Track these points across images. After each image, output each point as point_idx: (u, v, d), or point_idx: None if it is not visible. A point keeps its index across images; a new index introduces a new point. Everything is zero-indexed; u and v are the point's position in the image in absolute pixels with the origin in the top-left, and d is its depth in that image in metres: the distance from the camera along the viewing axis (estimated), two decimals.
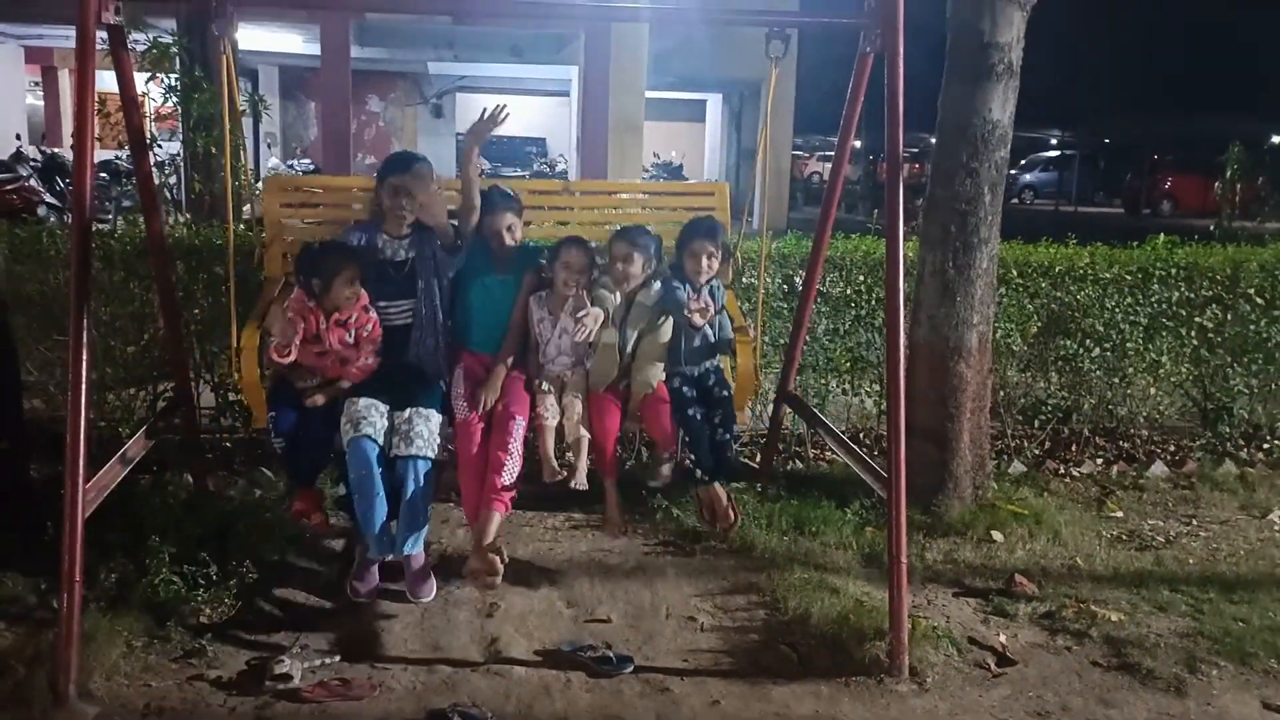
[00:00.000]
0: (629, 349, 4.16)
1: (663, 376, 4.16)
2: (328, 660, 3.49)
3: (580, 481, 3.99)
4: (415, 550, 3.87)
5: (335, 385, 3.92)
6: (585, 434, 4.04)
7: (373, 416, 3.82)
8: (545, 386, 4.10)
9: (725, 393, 4.23)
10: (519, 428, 3.92)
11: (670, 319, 4.17)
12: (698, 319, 4.06)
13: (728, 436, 4.20)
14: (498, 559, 3.69)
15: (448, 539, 4.58)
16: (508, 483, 3.82)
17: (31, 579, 3.76)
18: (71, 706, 3.12)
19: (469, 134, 4.07)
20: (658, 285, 4.19)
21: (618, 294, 4.14)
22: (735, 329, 4.35)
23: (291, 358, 3.82)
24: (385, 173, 4.14)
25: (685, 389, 4.14)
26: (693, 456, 4.13)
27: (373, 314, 3.99)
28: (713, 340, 4.25)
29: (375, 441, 3.78)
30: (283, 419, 3.88)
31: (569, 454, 4.13)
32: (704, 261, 4.20)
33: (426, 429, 3.84)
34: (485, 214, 4.13)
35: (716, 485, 4.15)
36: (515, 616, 3.91)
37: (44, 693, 3.15)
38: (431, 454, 3.82)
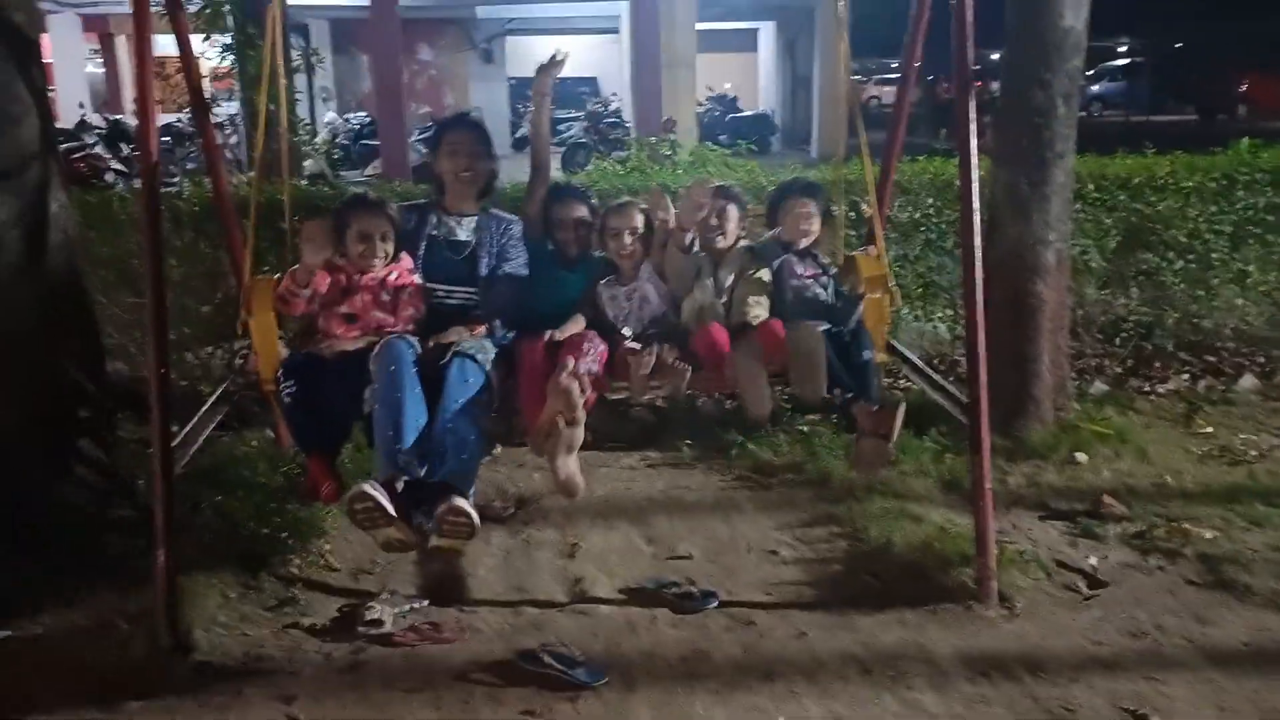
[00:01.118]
0: (725, 298, 3.79)
1: (765, 315, 3.72)
2: (416, 605, 3.54)
3: (680, 389, 3.58)
4: (453, 478, 3.23)
5: (366, 337, 3.52)
6: (684, 366, 3.55)
7: (411, 337, 3.43)
8: (628, 332, 3.72)
9: (853, 325, 3.78)
10: (594, 341, 3.51)
11: (766, 269, 3.83)
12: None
13: (866, 355, 3.64)
14: (575, 394, 3.26)
15: (524, 483, 4.60)
16: (583, 368, 3.38)
17: (126, 537, 3.85)
18: (173, 658, 3.21)
19: (535, 86, 3.83)
20: (745, 243, 3.91)
21: (704, 253, 3.81)
22: (867, 278, 3.84)
23: (302, 296, 3.50)
24: (441, 133, 3.90)
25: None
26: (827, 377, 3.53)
27: (416, 277, 3.68)
28: (826, 302, 3.86)
29: (413, 346, 3.36)
30: (296, 358, 3.48)
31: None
32: (802, 223, 3.90)
33: (478, 343, 3.45)
34: (555, 203, 3.92)
35: (867, 402, 3.60)
36: (596, 556, 3.93)
37: (146, 646, 3.25)
38: (483, 360, 3.37)
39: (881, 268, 3.92)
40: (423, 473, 3.21)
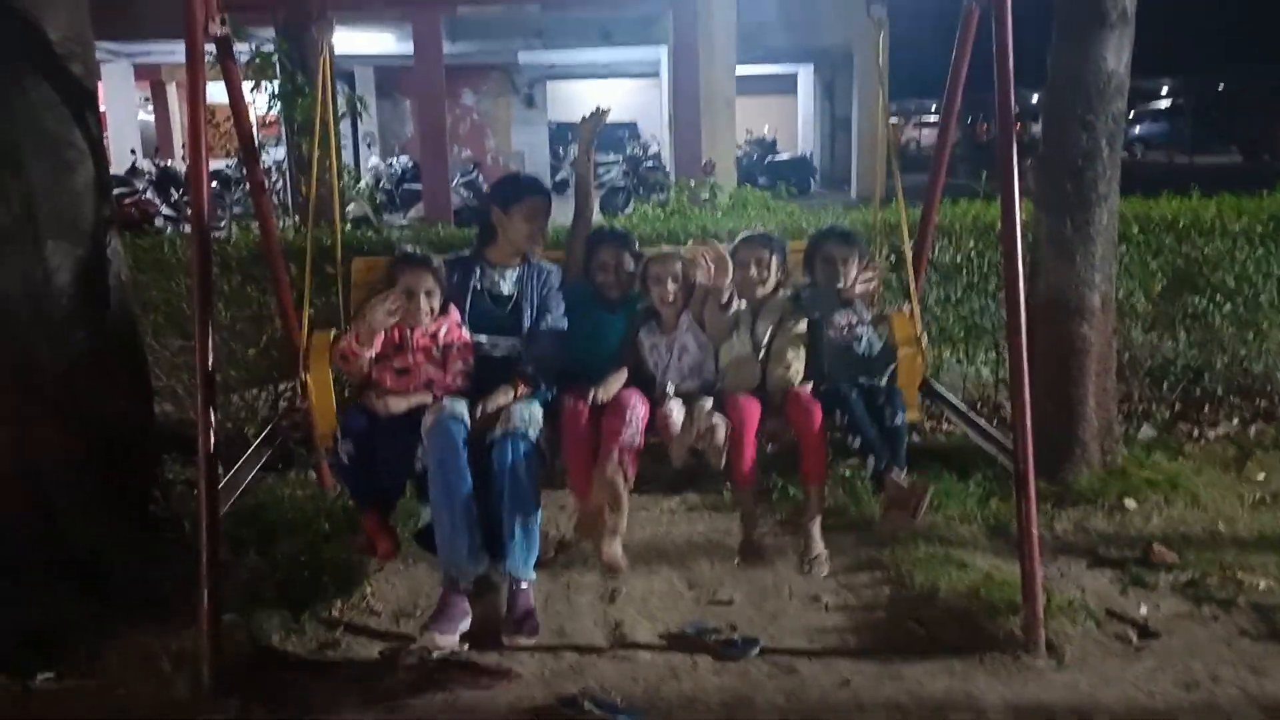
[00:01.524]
0: (762, 352, 3.81)
1: (802, 372, 3.79)
2: (457, 649, 3.53)
3: (717, 464, 3.58)
4: (519, 571, 3.46)
5: (417, 395, 3.63)
6: (720, 420, 3.56)
7: (460, 407, 3.50)
8: (670, 390, 3.71)
9: (887, 382, 3.84)
10: (636, 408, 3.54)
11: (805, 320, 3.84)
12: (859, 287, 3.82)
13: (898, 420, 3.64)
14: (620, 485, 3.40)
15: (565, 526, 4.59)
16: (627, 443, 3.46)
17: (171, 577, 3.89)
18: (215, 699, 3.22)
19: (580, 135, 3.99)
20: (787, 291, 3.91)
21: (743, 301, 3.77)
22: (900, 338, 3.92)
23: (364, 358, 3.61)
24: (520, 194, 3.88)
25: (839, 389, 3.70)
26: (858, 443, 3.60)
27: (465, 332, 3.75)
28: (861, 354, 3.87)
29: (463, 424, 3.44)
30: (353, 420, 3.55)
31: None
32: (839, 268, 3.86)
33: (526, 411, 3.51)
34: (597, 247, 3.96)
35: (898, 471, 3.54)
36: (637, 600, 3.91)
37: (189, 686, 3.27)
38: (532, 434, 3.46)
39: (914, 327, 3.95)
40: (483, 559, 3.46)
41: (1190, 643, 3.50)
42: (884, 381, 3.88)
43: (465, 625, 3.45)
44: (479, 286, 3.88)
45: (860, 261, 3.94)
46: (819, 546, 3.68)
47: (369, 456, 3.52)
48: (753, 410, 3.60)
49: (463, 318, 3.78)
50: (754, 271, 3.84)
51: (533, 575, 3.53)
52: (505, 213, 3.87)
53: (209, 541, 3.25)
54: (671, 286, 3.80)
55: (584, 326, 3.91)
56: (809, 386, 3.73)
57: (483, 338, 3.80)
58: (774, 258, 3.87)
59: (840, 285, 3.88)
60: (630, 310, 3.94)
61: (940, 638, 3.57)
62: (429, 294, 3.65)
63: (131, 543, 3.98)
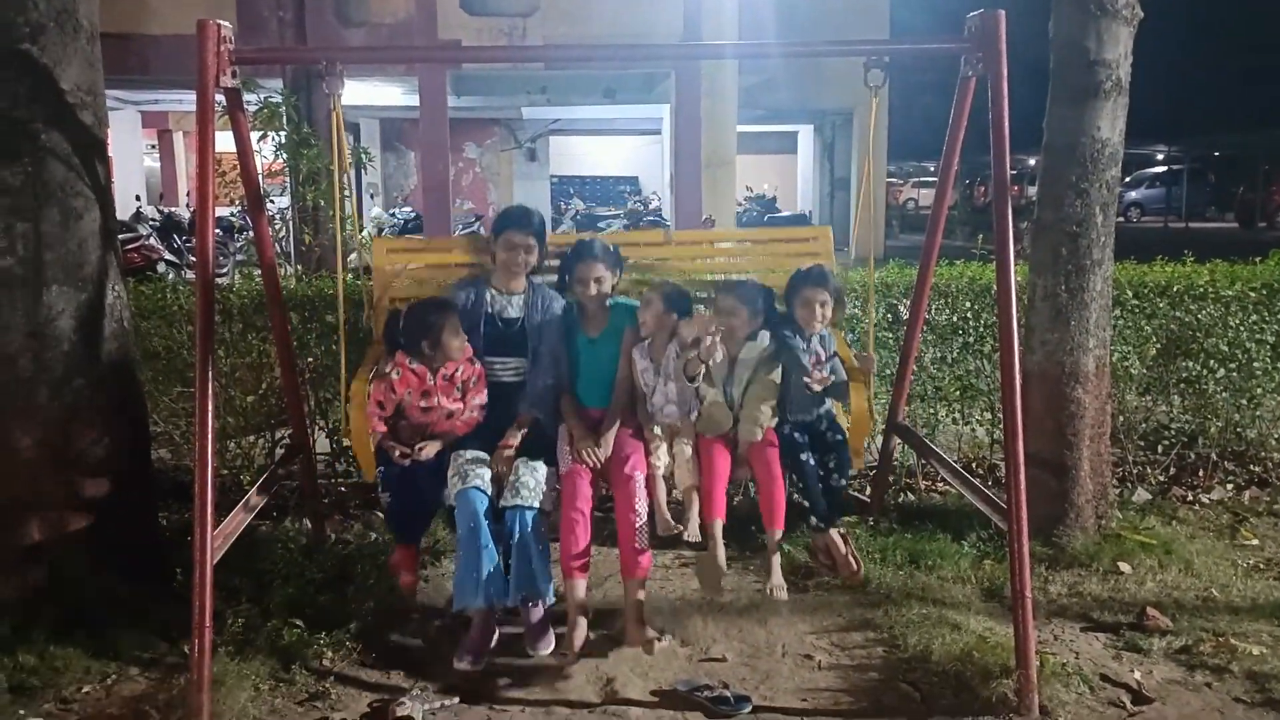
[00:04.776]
0: (738, 401, 4.04)
1: (772, 422, 4.03)
2: (447, 702, 3.52)
3: (693, 534, 3.85)
4: (534, 599, 3.76)
5: (441, 438, 3.93)
6: (696, 483, 3.94)
7: (480, 469, 3.83)
8: (657, 431, 4.01)
9: (839, 436, 4.10)
10: (640, 485, 3.83)
11: (780, 366, 4.05)
12: (816, 387, 4.03)
13: (842, 481, 4.09)
14: (654, 640, 3.70)
15: (558, 577, 4.56)
16: (642, 546, 3.75)
17: (162, 626, 3.88)
18: None
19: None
20: (766, 336, 4.08)
21: (722, 350, 3.94)
22: (848, 371, 4.20)
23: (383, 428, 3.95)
24: (504, 226, 4.17)
25: (796, 434, 4.02)
26: (805, 502, 4.00)
27: (478, 365, 4.02)
28: (821, 391, 4.11)
29: (484, 492, 3.79)
30: (390, 472, 3.91)
31: (678, 499, 4.04)
32: (817, 310, 4.09)
33: (533, 479, 3.84)
34: (576, 261, 4.11)
35: (833, 532, 4.02)
36: (630, 656, 3.87)
37: None
38: (536, 504, 3.79)
39: (865, 399, 4.19)
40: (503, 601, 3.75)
41: (1184, 710, 3.48)
42: (837, 434, 4.12)
43: (482, 646, 3.73)
44: (489, 311, 4.14)
45: (835, 303, 4.15)
46: (778, 578, 3.89)
47: (406, 499, 3.93)
48: (723, 462, 3.93)
49: (477, 339, 4.05)
50: (740, 317, 4.05)
51: (542, 597, 3.77)
52: (495, 241, 4.18)
53: (201, 590, 3.24)
54: (663, 320, 4.06)
55: (573, 347, 4.17)
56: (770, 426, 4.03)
57: (495, 359, 4.11)
58: (753, 304, 4.07)
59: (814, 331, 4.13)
60: (615, 335, 4.15)
61: (933, 700, 3.55)
62: (458, 331, 3.94)
63: (124, 590, 3.97)
